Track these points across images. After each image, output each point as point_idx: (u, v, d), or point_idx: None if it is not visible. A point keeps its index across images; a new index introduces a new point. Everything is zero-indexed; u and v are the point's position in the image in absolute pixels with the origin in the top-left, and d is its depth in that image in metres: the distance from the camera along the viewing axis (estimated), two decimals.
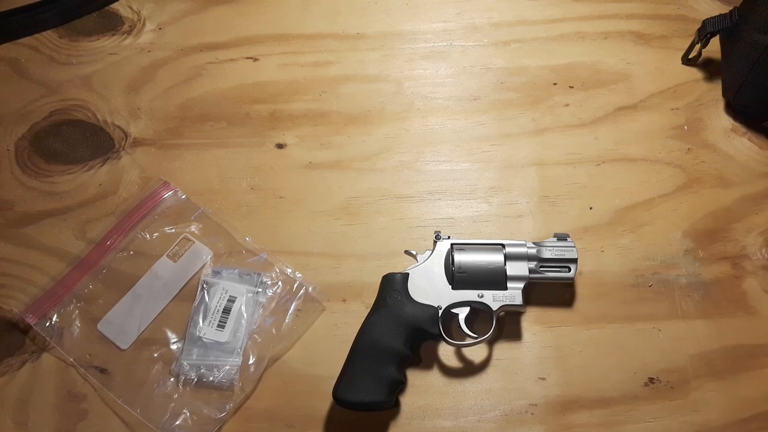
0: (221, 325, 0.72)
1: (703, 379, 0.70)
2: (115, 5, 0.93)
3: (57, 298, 0.73)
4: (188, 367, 0.70)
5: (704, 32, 0.82)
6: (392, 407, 0.69)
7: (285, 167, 0.82)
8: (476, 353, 0.72)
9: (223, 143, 0.84)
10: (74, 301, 0.74)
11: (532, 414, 0.69)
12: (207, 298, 0.74)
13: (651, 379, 0.70)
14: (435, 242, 0.72)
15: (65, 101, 0.86)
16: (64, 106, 0.86)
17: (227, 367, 0.70)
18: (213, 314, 0.73)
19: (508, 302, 0.69)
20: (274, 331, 0.72)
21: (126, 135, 0.84)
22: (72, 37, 0.91)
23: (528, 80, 0.87)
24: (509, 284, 0.70)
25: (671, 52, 0.88)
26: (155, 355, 0.72)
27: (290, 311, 0.73)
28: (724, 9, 0.83)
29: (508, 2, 0.93)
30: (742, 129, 0.83)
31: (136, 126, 0.85)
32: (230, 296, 0.74)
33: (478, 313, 0.73)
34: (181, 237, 0.77)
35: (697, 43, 0.84)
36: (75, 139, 0.84)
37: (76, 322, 0.73)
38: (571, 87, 0.86)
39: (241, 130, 0.84)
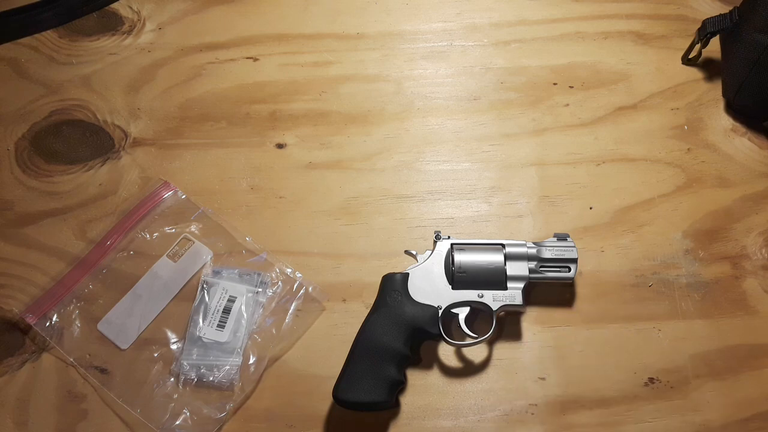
0: (221, 325, 0.72)
1: (703, 379, 0.70)
2: (115, 5, 0.93)
3: (57, 298, 0.73)
4: (188, 367, 0.70)
5: (704, 32, 0.82)
6: (392, 407, 0.69)
7: (285, 167, 0.82)
8: (476, 353, 0.72)
9: (223, 143, 0.84)
10: (74, 301, 0.74)
11: (532, 414, 0.69)
12: (207, 298, 0.74)
13: (651, 379, 0.70)
14: (435, 242, 0.72)
15: (65, 101, 0.86)
16: (64, 106, 0.86)
17: (227, 367, 0.70)
18: (213, 314, 0.73)
19: (508, 302, 0.69)
20: (274, 331, 0.72)
21: (126, 135, 0.84)
22: (72, 37, 0.91)
23: (528, 80, 0.87)
24: (509, 284, 0.70)
25: (671, 52, 0.88)
26: (155, 355, 0.72)
27: (290, 311, 0.73)
28: (724, 9, 0.83)
29: (508, 2, 0.93)
30: (742, 129, 0.83)
31: (136, 126, 0.85)
32: (230, 296, 0.74)
33: (478, 313, 0.73)
34: (181, 237, 0.77)
35: (697, 43, 0.84)
36: (75, 139, 0.84)
37: (76, 322, 0.73)
38: (571, 87, 0.86)
39: (241, 130, 0.84)
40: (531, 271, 0.71)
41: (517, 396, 0.70)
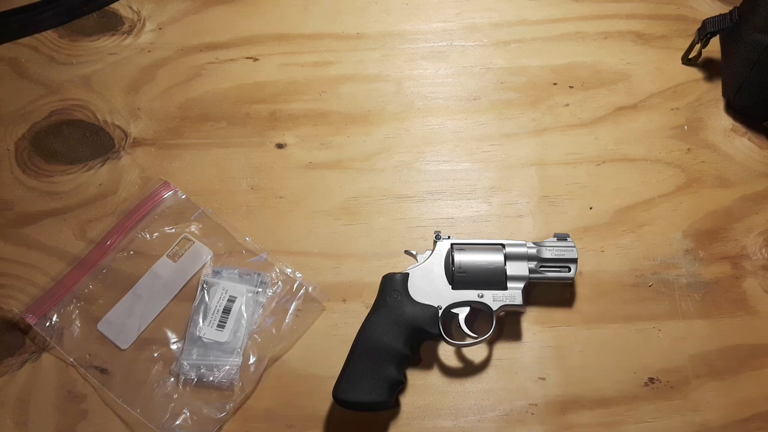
0: (221, 325, 0.72)
1: (703, 379, 0.70)
2: (115, 5, 0.93)
3: (57, 298, 0.73)
4: (188, 367, 0.70)
5: (704, 32, 0.82)
6: (392, 407, 0.69)
7: (285, 167, 0.82)
8: (476, 353, 0.72)
9: (223, 143, 0.84)
10: (74, 301, 0.74)
11: (532, 414, 0.69)
12: (207, 298, 0.74)
13: (651, 379, 0.70)
14: (435, 242, 0.72)
15: (65, 101, 0.86)
16: (64, 106, 0.86)
17: (227, 367, 0.70)
18: (213, 314, 0.73)
19: (508, 302, 0.69)
20: (274, 331, 0.72)
21: (126, 135, 0.84)
22: (72, 37, 0.91)
23: (528, 80, 0.87)
24: (509, 284, 0.70)
25: (671, 52, 0.88)
26: (155, 355, 0.72)
27: (290, 311, 0.73)
28: (724, 9, 0.83)
29: (508, 2, 0.93)
30: (742, 129, 0.83)
31: (136, 126, 0.85)
32: (230, 296, 0.74)
33: (478, 313, 0.73)
34: (181, 237, 0.77)
35: (697, 43, 0.84)
36: (75, 139, 0.84)
37: (76, 322, 0.73)
38: (571, 87, 0.86)
39: (241, 130, 0.84)
40: (531, 271, 0.71)
41: (517, 396, 0.70)
